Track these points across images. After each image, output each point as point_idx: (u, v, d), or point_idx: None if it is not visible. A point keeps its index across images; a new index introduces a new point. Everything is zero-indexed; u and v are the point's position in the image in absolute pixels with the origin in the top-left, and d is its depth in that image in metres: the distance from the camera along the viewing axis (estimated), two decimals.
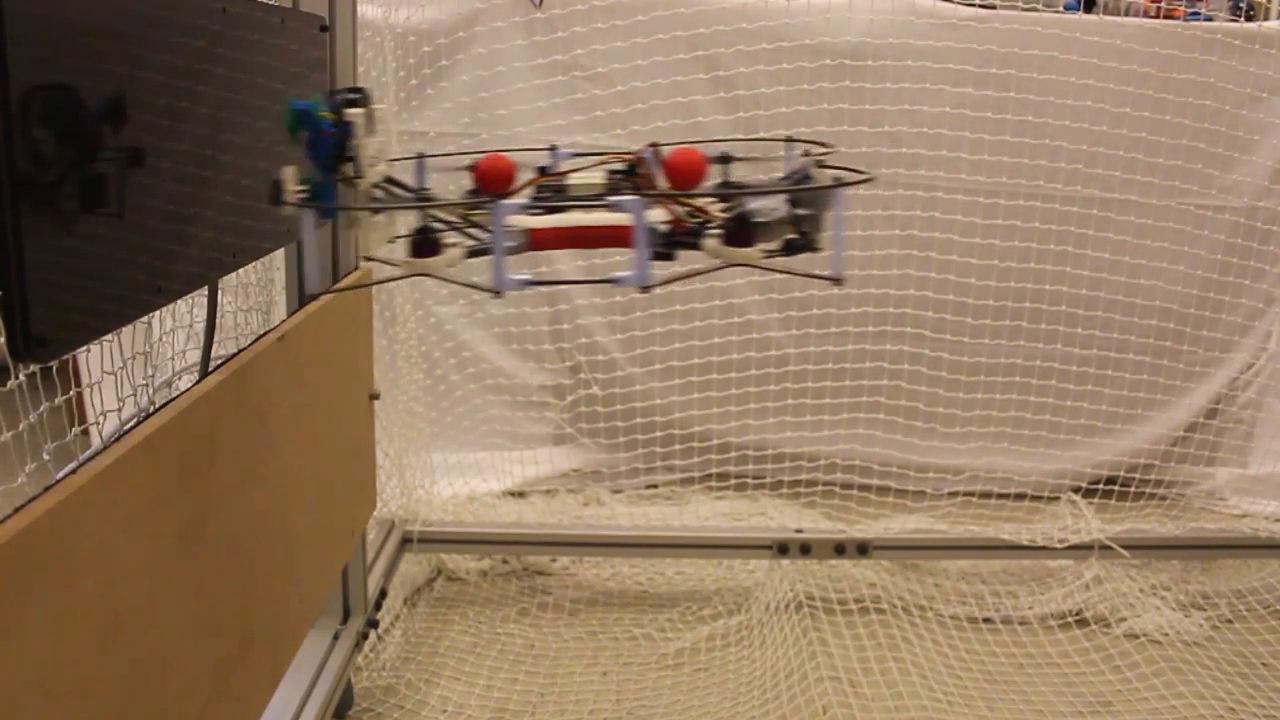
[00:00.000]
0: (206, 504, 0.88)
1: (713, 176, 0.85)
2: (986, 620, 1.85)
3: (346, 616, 1.51)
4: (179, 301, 0.96)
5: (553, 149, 0.93)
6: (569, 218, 0.80)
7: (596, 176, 0.85)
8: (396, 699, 1.57)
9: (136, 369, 1.04)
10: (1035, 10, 2.05)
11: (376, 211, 0.81)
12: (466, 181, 0.90)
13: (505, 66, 2.07)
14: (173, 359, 1.28)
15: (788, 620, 1.79)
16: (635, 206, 0.71)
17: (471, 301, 2.19)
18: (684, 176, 0.82)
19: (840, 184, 0.78)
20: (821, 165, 0.85)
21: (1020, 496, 2.20)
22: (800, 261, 0.82)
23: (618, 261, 0.79)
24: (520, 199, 0.81)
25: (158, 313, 0.90)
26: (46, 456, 0.83)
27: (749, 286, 2.20)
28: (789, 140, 0.93)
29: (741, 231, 0.78)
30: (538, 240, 0.80)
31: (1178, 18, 2.16)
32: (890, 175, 2.12)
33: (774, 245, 0.80)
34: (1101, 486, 2.21)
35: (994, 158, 2.05)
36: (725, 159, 0.89)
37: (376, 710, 1.53)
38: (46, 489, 0.67)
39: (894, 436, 2.16)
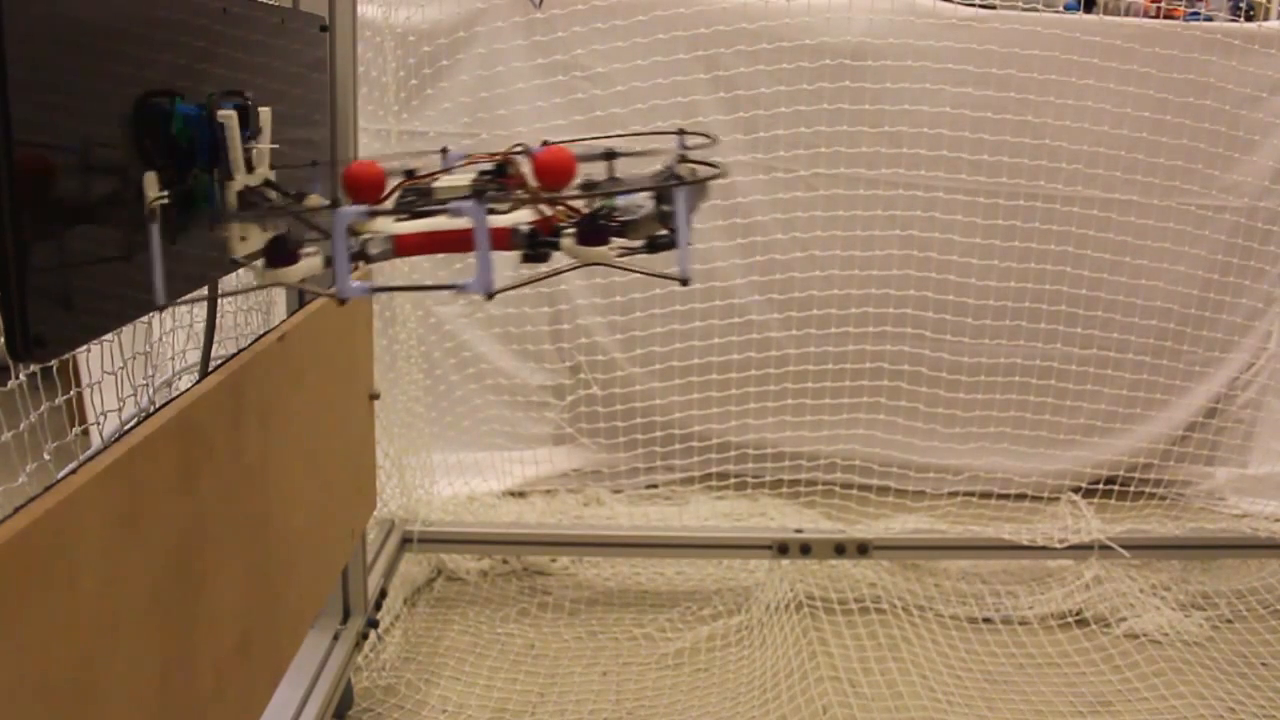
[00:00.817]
0: (206, 504, 0.88)
1: (593, 174, 0.84)
2: (986, 620, 1.85)
3: (346, 616, 1.51)
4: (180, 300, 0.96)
5: (444, 151, 0.92)
6: (435, 222, 0.78)
7: (464, 179, 0.84)
8: (396, 699, 1.57)
9: (136, 369, 1.04)
10: (1035, 10, 2.05)
11: (227, 220, 0.79)
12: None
13: (505, 66, 2.07)
14: (173, 359, 1.28)
15: (788, 620, 1.79)
16: (475, 210, 0.70)
17: (471, 301, 2.19)
18: (553, 176, 0.81)
19: (680, 182, 0.78)
20: (685, 160, 0.84)
21: (1020, 496, 2.20)
22: (658, 261, 0.80)
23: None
24: (361, 206, 0.78)
25: (158, 313, 0.90)
26: (46, 457, 0.84)
27: (749, 286, 2.20)
28: (680, 133, 0.91)
29: (594, 231, 0.77)
30: (402, 246, 0.78)
31: (1178, 18, 2.16)
32: (890, 175, 2.12)
33: (637, 242, 0.79)
34: (1101, 486, 2.21)
35: (994, 158, 2.05)
36: (610, 155, 0.88)
37: (376, 710, 1.53)
38: (46, 489, 0.67)
39: (894, 436, 2.16)
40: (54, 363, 0.76)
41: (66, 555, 0.67)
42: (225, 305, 1.22)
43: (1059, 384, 2.15)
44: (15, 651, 0.61)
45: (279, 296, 1.41)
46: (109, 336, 0.94)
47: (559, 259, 0.82)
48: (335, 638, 1.46)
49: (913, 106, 2.06)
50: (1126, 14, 2.15)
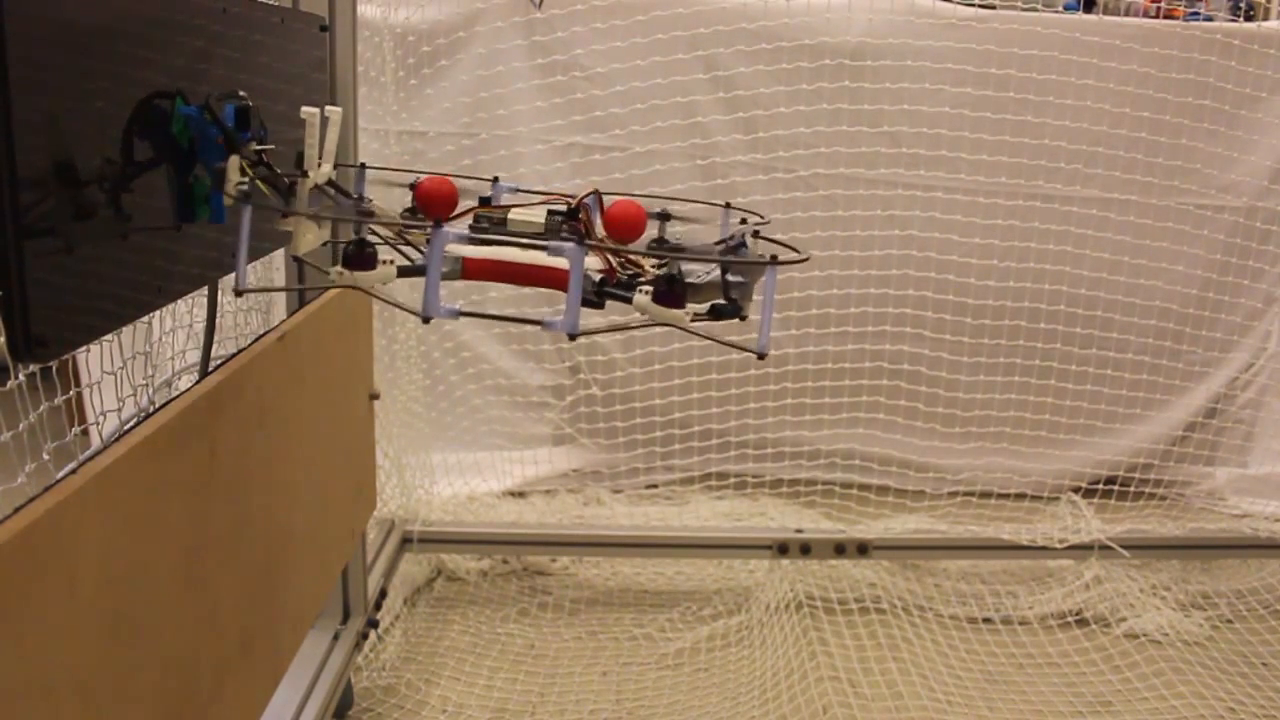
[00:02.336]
0: (206, 504, 0.88)
1: (650, 231, 0.86)
2: (986, 620, 1.85)
3: (346, 616, 1.51)
4: (179, 301, 0.96)
5: (495, 180, 0.93)
6: (504, 252, 0.79)
7: (537, 215, 0.85)
8: (396, 699, 1.57)
9: (136, 369, 1.04)
10: (1035, 10, 2.05)
11: (317, 218, 0.81)
12: (406, 199, 0.90)
13: (505, 66, 2.07)
14: (173, 359, 1.28)
15: (788, 620, 1.79)
16: (575, 254, 0.70)
17: (471, 300, 2.18)
18: (623, 228, 0.83)
19: (774, 260, 0.79)
20: (758, 236, 0.85)
21: (1020, 496, 2.20)
22: (732, 329, 0.81)
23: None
24: (461, 227, 0.80)
25: (157, 313, 0.90)
26: (46, 457, 0.83)
27: None
28: (727, 207, 0.93)
29: (671, 292, 0.78)
30: (470, 270, 0.79)
31: (1178, 18, 2.16)
32: (890, 175, 2.12)
33: (701, 308, 0.81)
34: (1101, 486, 2.21)
35: (994, 158, 2.05)
36: (664, 216, 0.89)
37: (376, 710, 1.53)
38: (46, 489, 0.67)
39: (894, 436, 2.16)
40: (53, 363, 0.76)
41: (66, 555, 0.67)
42: (225, 305, 1.22)
43: (1059, 384, 2.15)
44: (15, 651, 0.61)
45: (279, 296, 1.41)
46: (109, 336, 0.94)
47: (623, 309, 0.82)
48: (335, 638, 1.46)
49: (912, 106, 2.06)
50: (1126, 14, 2.15)
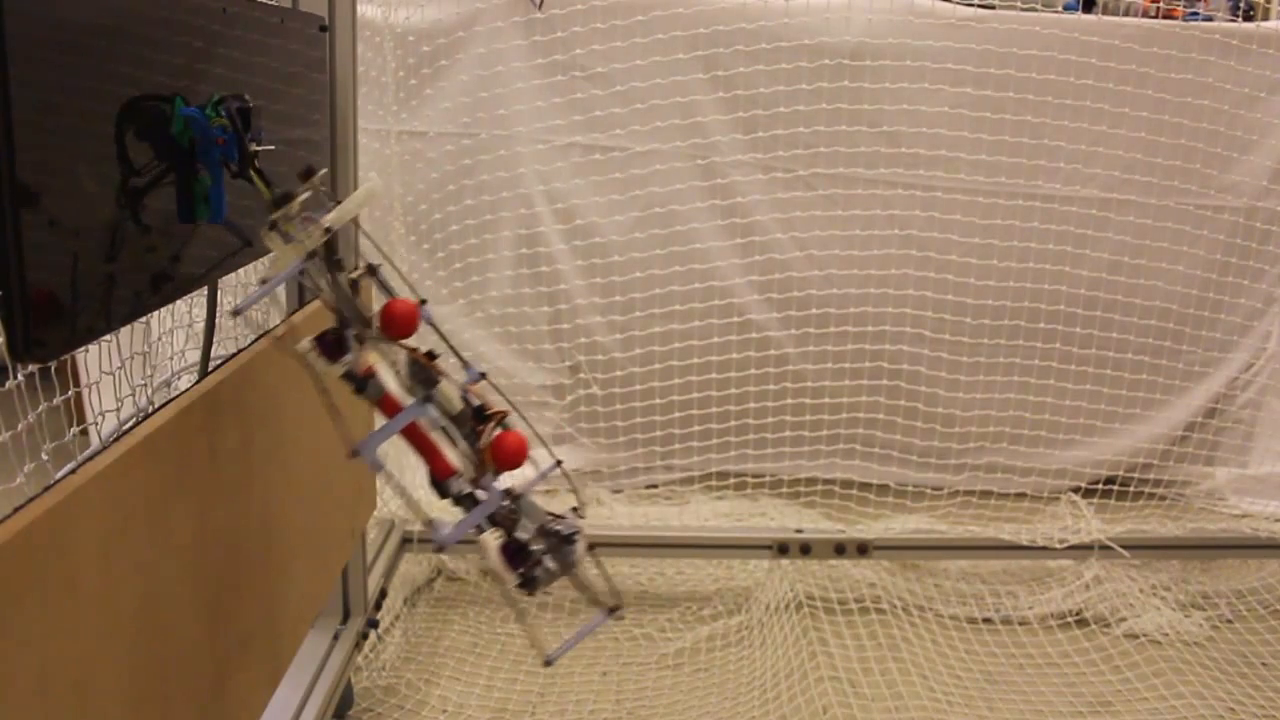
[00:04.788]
0: (206, 504, 0.88)
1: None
2: (986, 620, 1.85)
3: (346, 616, 1.51)
4: (179, 301, 0.96)
5: (469, 368, 0.98)
6: (412, 408, 0.86)
7: (456, 396, 0.92)
8: (396, 699, 1.57)
9: (135, 369, 1.04)
10: (1035, 10, 2.04)
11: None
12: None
13: (505, 66, 2.07)
14: (172, 359, 1.28)
15: (788, 620, 1.79)
16: (493, 494, 0.86)
17: (471, 301, 2.19)
18: (506, 458, 0.93)
19: (612, 610, 1.03)
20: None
21: (1020, 496, 2.20)
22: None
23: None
24: (400, 366, 0.87)
25: (157, 313, 0.90)
26: (45, 457, 0.83)
27: (749, 286, 2.20)
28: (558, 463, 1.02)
29: (515, 554, 0.89)
30: (385, 402, 0.86)
31: (1177, 18, 2.16)
32: (890, 175, 2.12)
33: (512, 579, 0.91)
34: (1101, 486, 2.21)
35: (994, 158, 2.05)
36: (511, 494, 0.95)
37: (376, 710, 1.53)
38: (46, 489, 0.67)
39: (894, 436, 2.16)
40: (53, 363, 0.76)
41: (66, 555, 0.67)
42: (225, 305, 1.22)
43: (1059, 384, 2.15)
44: (15, 651, 0.61)
45: (280, 296, 1.41)
46: (107, 337, 0.94)
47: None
48: (335, 638, 1.46)
49: (912, 106, 2.06)
50: (1126, 14, 2.15)
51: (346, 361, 0.83)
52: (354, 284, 0.88)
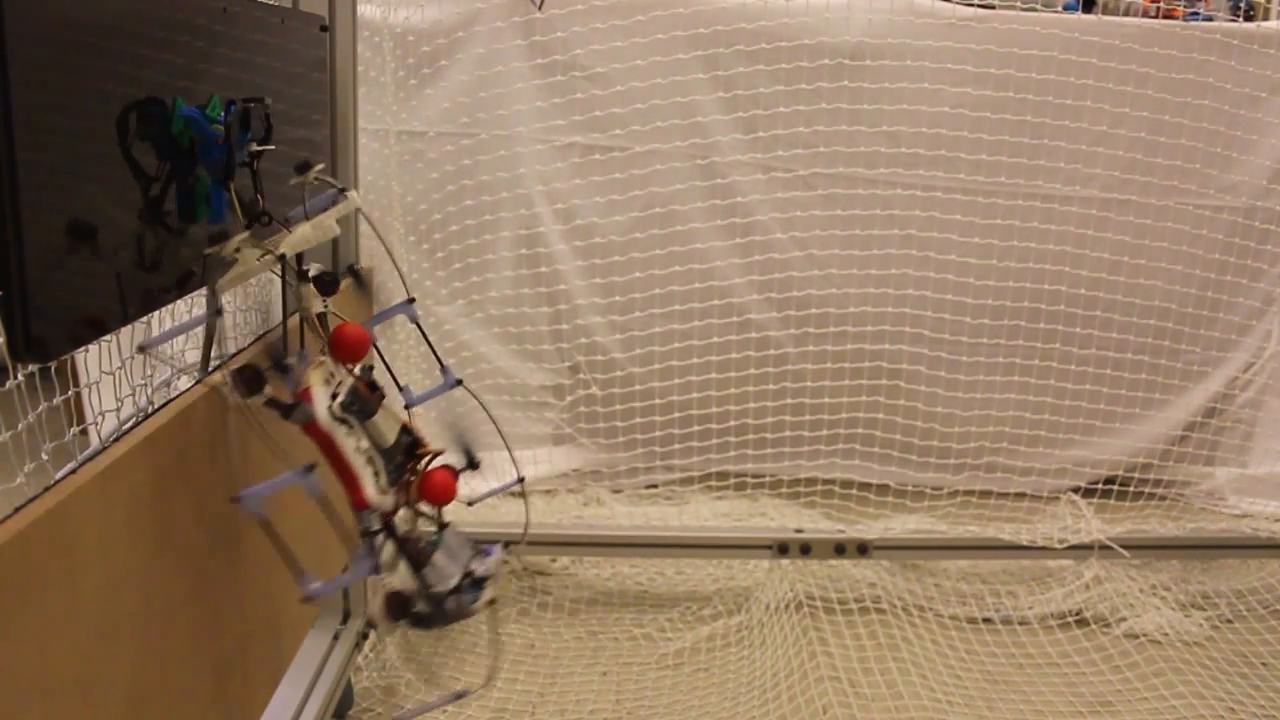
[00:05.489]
0: (206, 504, 0.88)
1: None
2: (986, 620, 1.85)
3: (346, 616, 1.51)
4: (179, 301, 0.96)
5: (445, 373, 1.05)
6: (347, 437, 0.88)
7: (393, 429, 0.95)
8: (396, 699, 1.56)
9: (135, 369, 1.04)
10: (1035, 10, 2.04)
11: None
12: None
13: (505, 66, 2.07)
14: (172, 359, 1.28)
15: (788, 620, 1.79)
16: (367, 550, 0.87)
17: (471, 301, 2.19)
18: (433, 494, 0.96)
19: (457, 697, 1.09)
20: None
21: (1020, 496, 2.20)
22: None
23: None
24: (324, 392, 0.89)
25: (157, 313, 0.90)
26: (45, 457, 0.83)
27: (749, 286, 2.20)
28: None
29: (396, 607, 0.91)
30: (310, 428, 0.88)
31: (1178, 18, 2.16)
32: (890, 175, 2.12)
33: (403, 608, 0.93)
34: (1101, 486, 2.21)
35: (994, 158, 2.05)
36: (482, 548, 1.00)
37: (376, 710, 1.53)
38: (46, 489, 0.67)
39: (894, 435, 2.16)
40: (53, 363, 0.76)
41: (66, 555, 0.67)
42: (225, 305, 1.22)
43: (1059, 384, 2.15)
44: (15, 651, 0.61)
45: (276, 297, 1.40)
46: (107, 336, 0.94)
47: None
48: (335, 638, 1.46)
49: (912, 106, 2.06)
50: (1126, 14, 2.15)
51: (266, 394, 0.84)
52: (330, 282, 0.89)
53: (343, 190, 0.99)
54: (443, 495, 0.97)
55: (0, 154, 0.61)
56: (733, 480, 2.18)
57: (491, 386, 2.23)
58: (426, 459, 0.97)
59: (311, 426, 0.86)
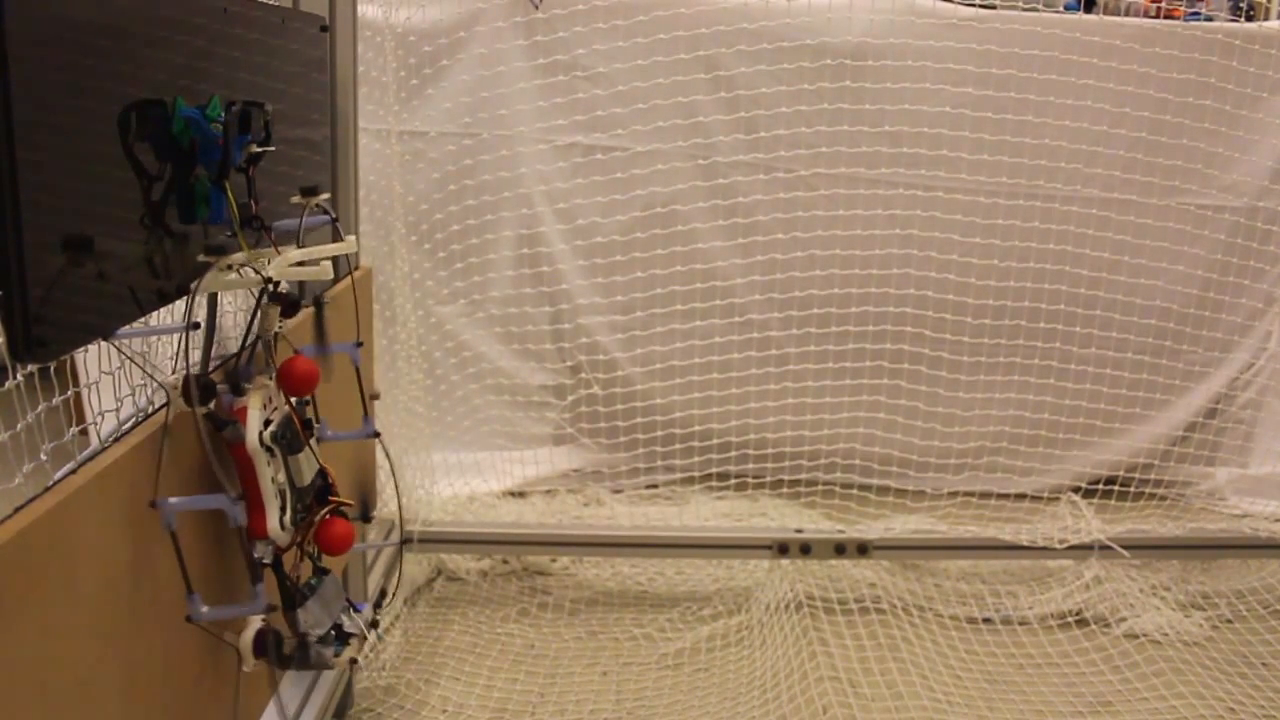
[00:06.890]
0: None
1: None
2: (986, 620, 1.85)
3: None
4: (178, 301, 0.96)
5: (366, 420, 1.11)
6: (267, 466, 0.90)
7: (311, 469, 0.97)
8: (396, 699, 1.57)
9: (135, 369, 1.04)
10: (1035, 10, 2.04)
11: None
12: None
13: (505, 66, 2.07)
14: (173, 359, 1.28)
15: (788, 620, 1.79)
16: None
17: (472, 300, 2.19)
18: (329, 544, 1.00)
19: None
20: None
21: (1020, 496, 2.20)
22: None
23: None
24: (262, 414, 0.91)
25: (157, 313, 0.90)
26: (44, 457, 0.83)
27: (749, 286, 2.20)
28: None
29: (262, 646, 0.94)
30: (236, 449, 0.89)
31: (1178, 18, 2.16)
32: (890, 175, 2.12)
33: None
34: (1101, 486, 2.21)
35: (994, 158, 2.05)
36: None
37: (376, 710, 1.53)
38: (46, 489, 0.67)
39: (894, 436, 2.16)
40: (52, 363, 0.76)
41: (66, 555, 0.67)
42: (225, 305, 1.22)
43: (1059, 384, 2.15)
44: (15, 651, 0.61)
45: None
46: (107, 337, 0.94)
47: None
48: None
49: (913, 106, 2.06)
50: (1126, 14, 2.15)
51: (211, 406, 0.85)
52: (292, 304, 0.92)
53: (337, 220, 1.02)
54: (339, 546, 0.99)
55: (0, 154, 0.61)
56: (733, 480, 2.18)
57: (492, 386, 2.23)
58: (332, 508, 0.99)
59: (238, 448, 0.88)
